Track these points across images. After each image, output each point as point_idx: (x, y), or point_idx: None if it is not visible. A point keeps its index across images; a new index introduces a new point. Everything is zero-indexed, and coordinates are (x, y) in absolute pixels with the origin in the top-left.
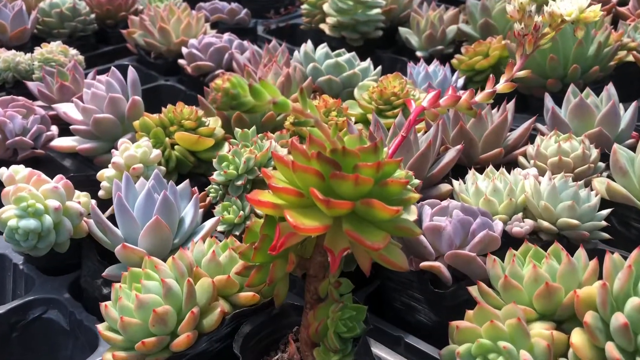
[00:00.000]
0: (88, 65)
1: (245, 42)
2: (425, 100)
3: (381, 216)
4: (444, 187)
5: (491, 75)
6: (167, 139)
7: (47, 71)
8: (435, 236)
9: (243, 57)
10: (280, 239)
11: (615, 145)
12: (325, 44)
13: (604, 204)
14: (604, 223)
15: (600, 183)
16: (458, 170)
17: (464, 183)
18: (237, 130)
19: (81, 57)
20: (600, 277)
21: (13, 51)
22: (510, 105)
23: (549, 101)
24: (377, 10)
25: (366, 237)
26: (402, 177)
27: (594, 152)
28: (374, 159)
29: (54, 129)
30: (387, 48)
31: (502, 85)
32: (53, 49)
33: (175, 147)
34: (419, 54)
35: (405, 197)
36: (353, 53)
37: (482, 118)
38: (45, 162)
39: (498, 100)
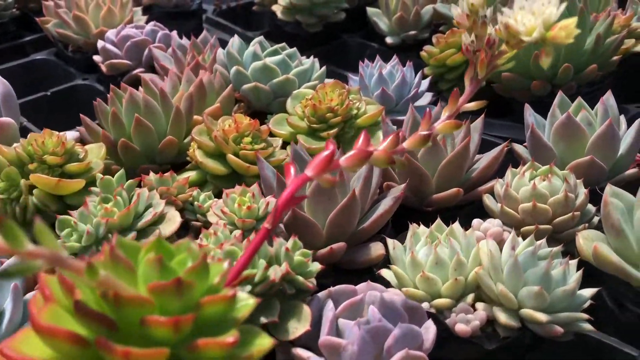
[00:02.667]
0: (3, 59)
1: (174, 33)
2: (311, 166)
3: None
4: (375, 250)
5: (455, 89)
6: (23, 181)
7: None
8: (333, 358)
9: (164, 55)
10: None
11: (608, 191)
12: (258, 40)
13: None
14: (585, 316)
15: (586, 241)
16: (407, 214)
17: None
18: (98, 176)
19: None
20: None
21: None
22: (477, 125)
23: (529, 115)
24: None
25: None
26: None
27: (582, 194)
28: (188, 299)
29: None
30: (355, 31)
31: (442, 125)
32: None
33: (35, 191)
34: (388, 40)
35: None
36: (293, 50)
37: (437, 145)
38: None
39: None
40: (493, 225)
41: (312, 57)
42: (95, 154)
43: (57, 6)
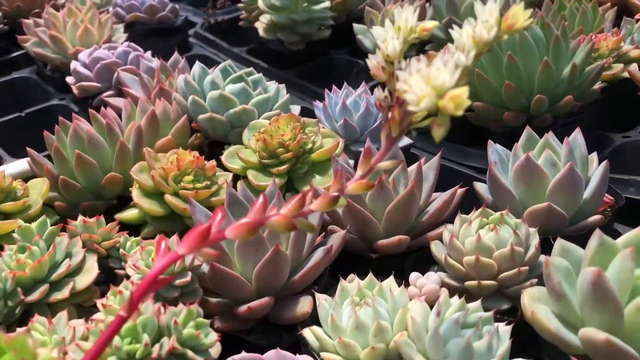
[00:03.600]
0: None
1: (147, 54)
2: (183, 244)
3: None
4: (301, 307)
5: (367, 146)
6: None
7: None
8: None
9: (130, 78)
10: None
11: (556, 247)
12: (224, 64)
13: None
14: None
15: (530, 300)
16: (352, 260)
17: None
18: (20, 221)
19: None
20: None
21: None
22: (433, 164)
23: (491, 152)
24: (324, 5)
25: None
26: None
27: (533, 246)
28: None
29: None
30: (343, 47)
31: (354, 186)
32: None
33: None
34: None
35: None
36: (258, 76)
37: (384, 188)
38: None
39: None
40: (429, 281)
41: (276, 84)
42: (37, 189)
43: (35, 25)
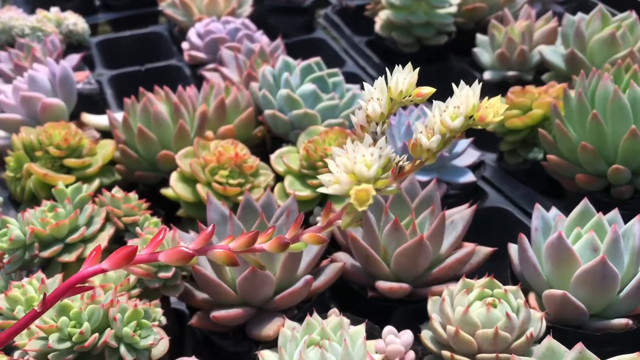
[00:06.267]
0: (116, 29)
1: (258, 34)
2: (108, 260)
3: None
4: (268, 328)
5: (328, 202)
6: (26, 165)
7: (19, 44)
8: None
9: (230, 57)
10: None
11: (542, 346)
12: (311, 61)
13: None
14: None
15: None
16: (350, 296)
17: None
18: (60, 184)
19: (83, 27)
20: None
21: (12, 13)
22: (463, 216)
23: (536, 217)
24: (448, 10)
25: None
26: None
27: (525, 335)
28: None
29: None
30: (464, 55)
31: (307, 236)
32: (49, 16)
33: (32, 177)
34: (486, 75)
35: None
36: (339, 79)
37: (398, 229)
38: None
39: None
40: (400, 340)
41: (351, 92)
42: (105, 150)
43: None
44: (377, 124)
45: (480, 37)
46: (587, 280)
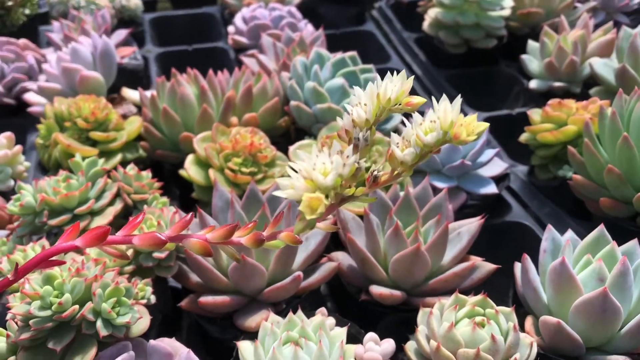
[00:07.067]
0: (175, 6)
1: (302, 23)
2: (83, 238)
3: None
4: (251, 320)
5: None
6: (55, 134)
7: (72, 16)
8: None
9: (270, 44)
10: None
11: None
12: (330, 58)
13: None
14: None
15: None
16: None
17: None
18: (77, 155)
19: (136, 3)
20: None
21: None
22: (469, 230)
23: (546, 238)
24: (500, 14)
25: None
26: None
27: (520, 352)
28: None
29: (38, 82)
30: (515, 60)
31: (283, 235)
32: None
33: (58, 146)
34: (532, 84)
35: None
36: (371, 75)
37: (399, 235)
38: (16, 112)
39: None
40: (380, 348)
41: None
42: (132, 126)
43: None
44: (360, 130)
45: (531, 44)
46: (587, 312)
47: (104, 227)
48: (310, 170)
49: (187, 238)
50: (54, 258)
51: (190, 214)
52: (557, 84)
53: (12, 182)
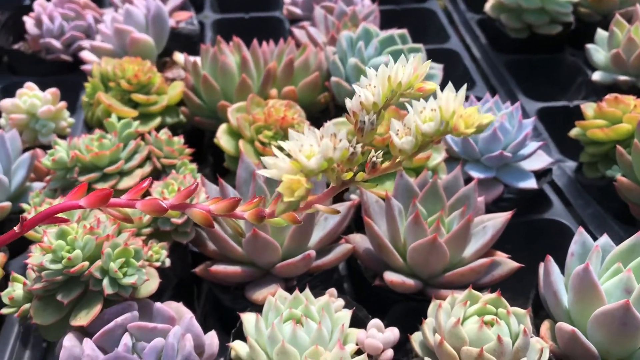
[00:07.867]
0: None
1: None
2: (87, 198)
3: None
4: (259, 294)
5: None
6: (99, 93)
7: None
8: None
9: (321, 16)
10: None
11: None
12: (379, 34)
13: None
14: None
15: None
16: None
17: None
18: (113, 115)
19: None
20: None
21: None
22: (495, 224)
23: (575, 242)
24: None
25: None
26: None
27: (529, 357)
28: None
29: (94, 40)
30: (582, 49)
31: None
32: None
33: (100, 105)
34: (595, 76)
35: None
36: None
37: (417, 222)
38: (72, 69)
39: None
40: (383, 335)
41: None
42: (175, 90)
43: None
44: (367, 113)
45: (600, 33)
46: (606, 323)
47: (107, 189)
48: (296, 151)
49: (190, 207)
50: (62, 215)
51: (196, 183)
52: (623, 77)
53: (54, 137)
